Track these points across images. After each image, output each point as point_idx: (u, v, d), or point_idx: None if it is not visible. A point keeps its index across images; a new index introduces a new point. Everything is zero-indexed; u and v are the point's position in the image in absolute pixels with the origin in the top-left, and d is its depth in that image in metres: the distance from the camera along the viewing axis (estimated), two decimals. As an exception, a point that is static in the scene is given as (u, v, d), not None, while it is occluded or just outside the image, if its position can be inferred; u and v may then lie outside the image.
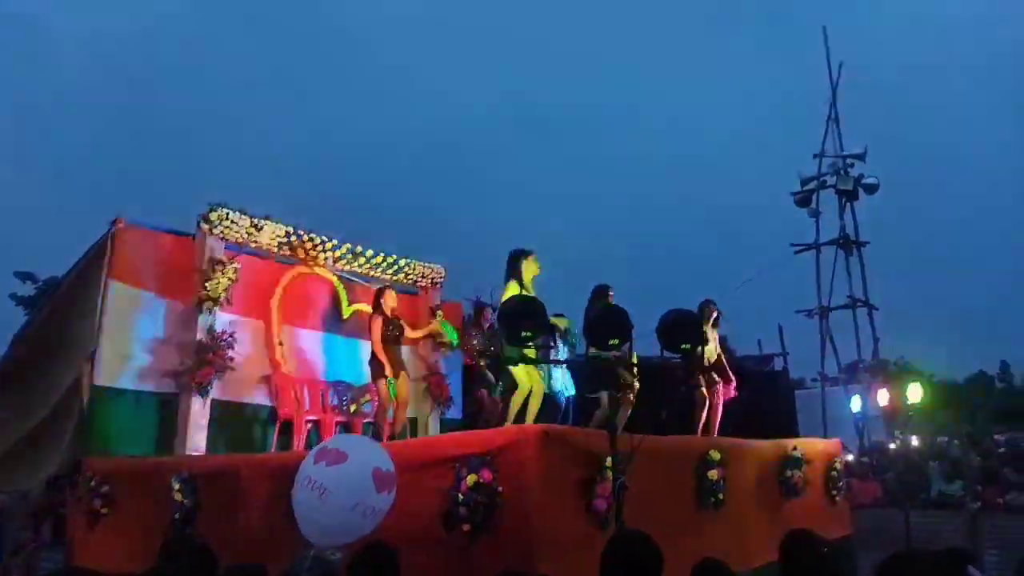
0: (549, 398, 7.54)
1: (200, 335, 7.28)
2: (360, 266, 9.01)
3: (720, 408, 7.14)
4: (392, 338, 6.76)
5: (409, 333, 7.08)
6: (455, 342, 7.92)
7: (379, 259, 9.15)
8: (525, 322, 3.95)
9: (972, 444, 12.56)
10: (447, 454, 4.43)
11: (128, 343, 7.15)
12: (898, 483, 10.25)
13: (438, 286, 9.96)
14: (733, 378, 7.26)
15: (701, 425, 6.97)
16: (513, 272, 5.59)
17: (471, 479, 4.10)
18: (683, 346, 4.09)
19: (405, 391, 6.85)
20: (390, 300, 6.89)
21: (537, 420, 6.81)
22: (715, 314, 7.13)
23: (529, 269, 5.67)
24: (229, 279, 7.49)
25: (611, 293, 6.81)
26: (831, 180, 19.27)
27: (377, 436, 6.94)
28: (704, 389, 7.02)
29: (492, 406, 7.24)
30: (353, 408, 8.34)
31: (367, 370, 6.82)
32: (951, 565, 3.26)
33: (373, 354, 6.64)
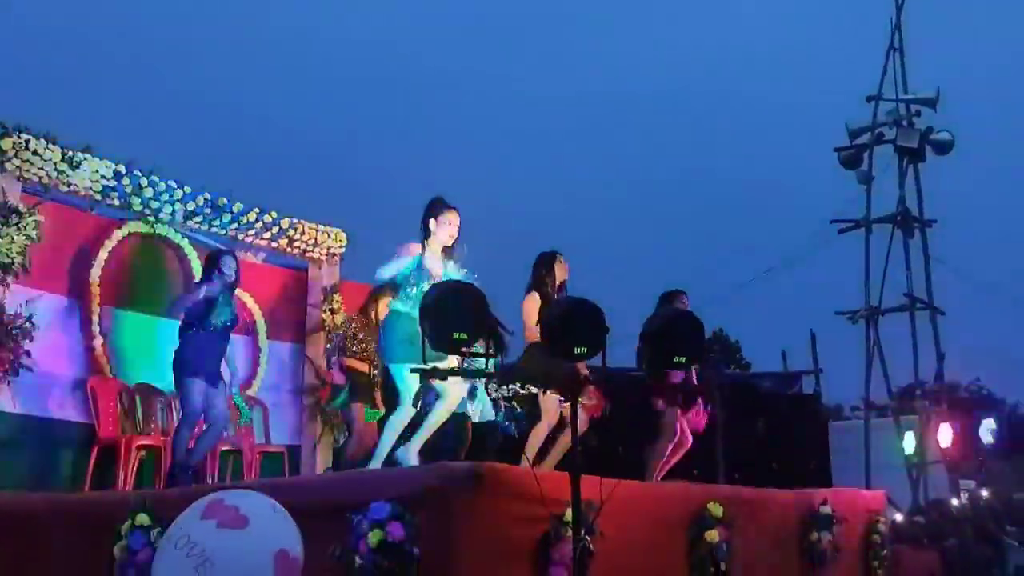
0: (482, 426, 7.73)
1: (-17, 318, 7.13)
2: (223, 226, 8.94)
3: (686, 445, 7.32)
4: (217, 325, 6.91)
5: None
6: None
7: (250, 216, 9.08)
8: (459, 317, 3.98)
9: (1064, 503, 13.10)
10: (340, 500, 4.45)
11: None
12: (963, 553, 10.63)
13: (336, 258, 9.96)
14: (701, 401, 7.44)
15: (661, 464, 7.13)
16: (423, 235, 5.81)
17: (375, 536, 4.10)
18: (677, 359, 4.19)
19: (220, 405, 7.03)
20: (229, 270, 7.08)
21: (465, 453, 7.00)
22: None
23: (437, 234, 5.78)
24: (28, 237, 7.36)
25: (686, 300, 7.21)
26: (889, 133, 19.68)
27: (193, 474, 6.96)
28: (676, 415, 7.17)
29: (363, 432, 7.48)
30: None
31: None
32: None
33: (182, 342, 6.86)
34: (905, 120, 19.55)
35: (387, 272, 5.83)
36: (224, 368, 7.17)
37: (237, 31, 67.83)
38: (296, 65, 70.07)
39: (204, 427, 7.03)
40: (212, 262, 7.14)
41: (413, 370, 5.11)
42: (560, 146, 71.25)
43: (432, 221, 5.80)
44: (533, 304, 6.44)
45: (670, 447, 7.16)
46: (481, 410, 7.75)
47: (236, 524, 3.64)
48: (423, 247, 5.79)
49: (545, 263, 6.60)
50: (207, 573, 3.49)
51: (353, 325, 7.76)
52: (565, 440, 6.55)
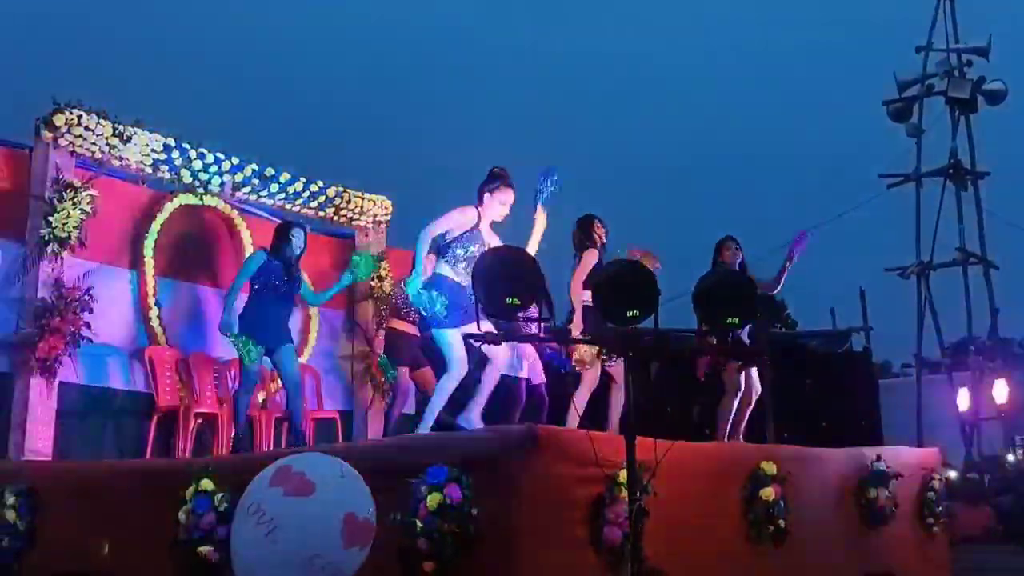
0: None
1: (42, 290, 7.27)
2: (271, 196, 9.02)
3: (753, 400, 7.39)
4: (279, 295, 7.13)
5: None
6: (360, 273, 8.06)
7: (298, 186, 9.15)
8: (510, 282, 4.01)
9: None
10: (398, 465, 4.52)
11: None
12: (1018, 509, 10.58)
13: (383, 226, 10.01)
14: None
15: (730, 422, 7.20)
16: (478, 202, 5.82)
17: (433, 500, 4.20)
18: (729, 320, 4.19)
19: (292, 369, 7.28)
20: (299, 242, 7.30)
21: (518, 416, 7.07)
22: (739, 258, 7.38)
23: (488, 207, 5.79)
24: (83, 211, 7.47)
25: (734, 247, 7.28)
26: (940, 84, 19.30)
27: (297, 436, 7.12)
28: (737, 371, 7.22)
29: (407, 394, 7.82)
30: (261, 398, 8.43)
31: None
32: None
33: (245, 308, 7.09)
34: (956, 70, 19.16)
35: (437, 227, 5.78)
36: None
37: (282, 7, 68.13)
38: (339, 37, 70.13)
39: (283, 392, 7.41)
40: (282, 233, 7.31)
41: (467, 336, 5.17)
42: (601, 107, 70.75)
43: (487, 194, 5.81)
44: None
45: (735, 403, 7.21)
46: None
47: (303, 491, 3.77)
48: (478, 213, 5.78)
49: (583, 225, 6.86)
50: (277, 540, 3.61)
51: (398, 289, 7.95)
52: (617, 398, 6.64)
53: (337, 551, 3.73)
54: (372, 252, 9.87)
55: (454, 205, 5.89)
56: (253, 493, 3.87)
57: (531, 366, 7.58)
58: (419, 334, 7.77)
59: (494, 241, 5.81)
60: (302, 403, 7.49)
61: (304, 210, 9.26)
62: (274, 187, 8.97)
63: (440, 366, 6.04)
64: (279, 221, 8.73)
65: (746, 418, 7.45)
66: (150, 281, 8.18)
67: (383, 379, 9.52)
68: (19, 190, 7.47)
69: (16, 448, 7.08)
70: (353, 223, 9.79)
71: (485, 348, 5.72)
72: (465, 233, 5.71)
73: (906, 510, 6.93)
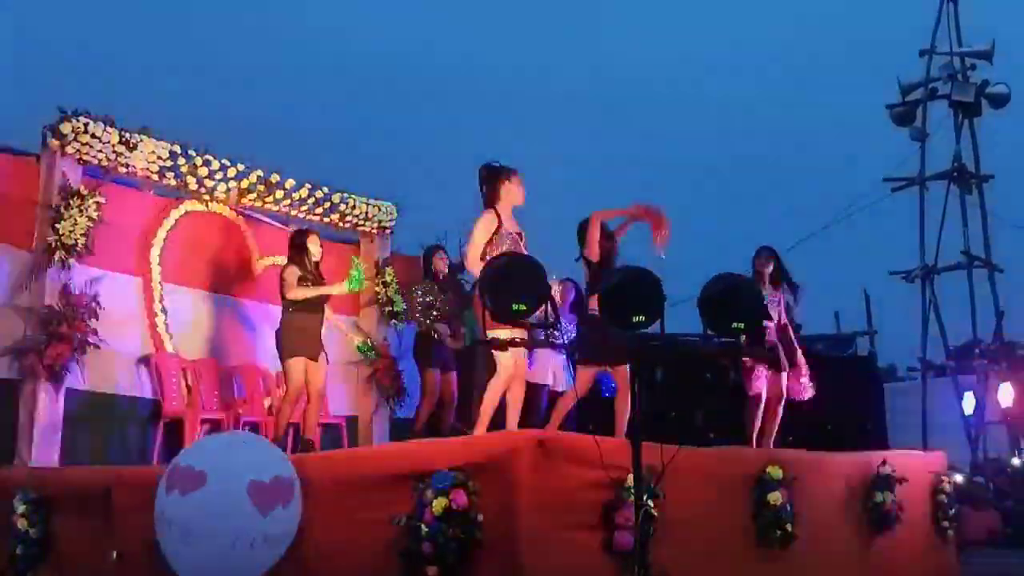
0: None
1: (49, 297, 7.32)
2: (276, 202, 9.04)
3: (780, 410, 7.35)
4: (313, 302, 7.06)
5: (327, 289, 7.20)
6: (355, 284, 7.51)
7: (303, 193, 9.17)
8: (518, 289, 4.00)
9: None
10: (403, 469, 4.53)
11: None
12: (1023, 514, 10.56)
13: (387, 231, 10.04)
14: (805, 367, 7.46)
15: (756, 432, 7.16)
16: (490, 200, 5.75)
17: (439, 504, 4.20)
18: (735, 325, 4.16)
19: (320, 379, 7.21)
20: (315, 248, 7.22)
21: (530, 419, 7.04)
22: (769, 268, 7.34)
23: (509, 196, 5.75)
24: (90, 218, 7.52)
25: (764, 256, 7.15)
26: (943, 88, 19.28)
27: (304, 444, 7.12)
28: (760, 380, 7.20)
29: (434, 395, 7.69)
30: (268, 403, 8.44)
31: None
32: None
33: (283, 323, 7.01)
34: (960, 74, 19.12)
35: (475, 248, 5.69)
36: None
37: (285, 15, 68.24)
38: (343, 36, 70.25)
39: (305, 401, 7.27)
40: (299, 242, 7.23)
41: (474, 341, 5.17)
42: (604, 113, 70.77)
43: (506, 182, 5.75)
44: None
45: (759, 411, 7.16)
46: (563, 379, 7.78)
47: (195, 484, 3.75)
48: (496, 214, 5.71)
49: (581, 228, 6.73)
50: (193, 541, 3.61)
51: (420, 291, 7.90)
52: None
53: (257, 521, 3.66)
54: (378, 257, 9.91)
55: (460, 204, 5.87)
56: (158, 503, 3.84)
57: (555, 374, 7.55)
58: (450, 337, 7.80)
59: (515, 228, 5.80)
60: (317, 415, 7.46)
61: (309, 216, 9.30)
62: (279, 193, 9.00)
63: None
64: (284, 227, 8.78)
65: (757, 425, 7.38)
66: (156, 288, 8.22)
67: (389, 383, 9.56)
68: (26, 198, 7.52)
69: (23, 455, 7.11)
70: (358, 228, 9.83)
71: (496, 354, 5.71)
72: (493, 237, 5.66)
73: (913, 514, 6.91)
